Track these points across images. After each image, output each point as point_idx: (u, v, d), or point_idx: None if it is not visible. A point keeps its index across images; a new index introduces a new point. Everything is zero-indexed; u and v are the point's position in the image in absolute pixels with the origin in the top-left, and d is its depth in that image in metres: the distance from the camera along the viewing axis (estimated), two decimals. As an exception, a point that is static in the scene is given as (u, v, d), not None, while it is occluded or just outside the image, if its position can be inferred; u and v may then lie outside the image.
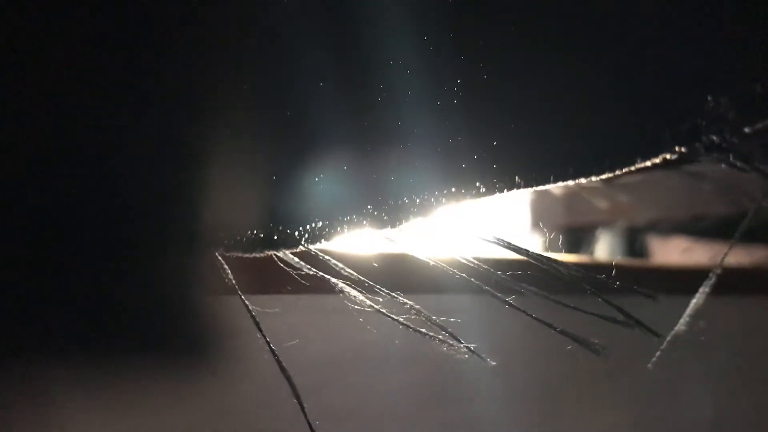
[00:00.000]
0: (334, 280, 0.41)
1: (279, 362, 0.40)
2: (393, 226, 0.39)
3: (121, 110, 0.35)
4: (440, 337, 0.41)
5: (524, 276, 0.41)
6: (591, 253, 0.91)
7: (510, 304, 0.41)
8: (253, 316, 0.41)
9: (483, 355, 0.41)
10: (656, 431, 0.67)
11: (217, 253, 0.39)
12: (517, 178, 0.38)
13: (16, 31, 0.33)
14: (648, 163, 0.36)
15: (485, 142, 0.38)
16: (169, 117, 0.36)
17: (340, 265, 0.41)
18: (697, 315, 0.69)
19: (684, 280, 0.69)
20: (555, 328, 0.41)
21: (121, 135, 0.36)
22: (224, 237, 0.38)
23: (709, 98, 0.35)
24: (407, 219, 0.39)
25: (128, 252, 0.36)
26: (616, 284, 0.40)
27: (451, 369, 0.51)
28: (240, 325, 0.41)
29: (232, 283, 0.40)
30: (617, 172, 0.37)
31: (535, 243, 0.83)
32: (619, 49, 0.37)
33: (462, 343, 0.41)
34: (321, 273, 0.41)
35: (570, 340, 0.40)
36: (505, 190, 0.38)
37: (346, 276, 0.41)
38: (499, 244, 0.40)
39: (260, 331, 0.41)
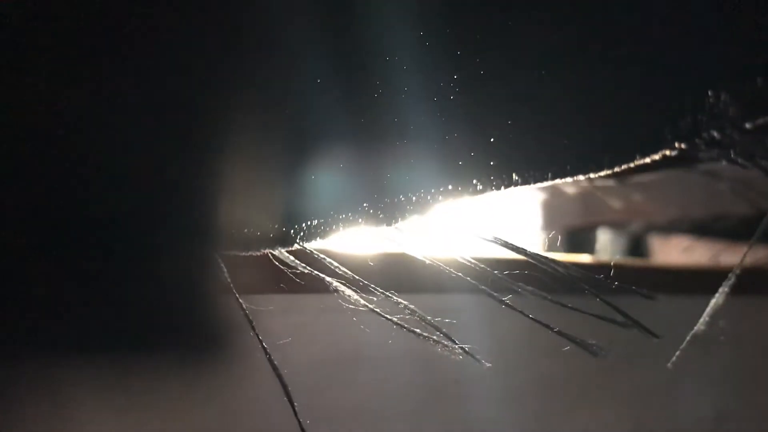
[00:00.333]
0: (329, 279, 0.41)
1: (271, 361, 0.40)
2: (389, 223, 0.39)
3: (121, 109, 0.35)
4: (434, 337, 0.40)
5: (523, 276, 0.41)
6: (603, 253, 0.91)
7: (506, 304, 0.40)
8: (246, 315, 0.40)
9: (478, 356, 0.41)
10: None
11: (216, 252, 0.38)
12: (514, 175, 0.37)
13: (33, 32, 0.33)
14: (647, 160, 0.35)
15: (482, 139, 0.37)
16: (169, 117, 0.36)
17: (335, 263, 0.41)
18: (699, 316, 0.68)
19: (684, 280, 0.68)
20: (552, 329, 0.40)
21: (123, 135, 0.35)
22: (221, 236, 0.38)
23: (709, 94, 0.34)
24: (403, 217, 0.39)
25: (136, 252, 0.36)
26: (614, 284, 0.39)
27: (450, 368, 0.50)
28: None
29: (228, 281, 0.39)
30: (616, 169, 0.36)
31: (539, 243, 0.83)
32: (617, 44, 0.36)
33: (456, 344, 0.40)
34: (316, 272, 0.41)
35: (568, 340, 0.40)
36: (503, 188, 0.37)
37: (341, 275, 0.41)
38: (497, 243, 0.40)
39: (253, 330, 0.40)
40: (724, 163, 0.35)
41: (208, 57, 0.36)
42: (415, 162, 0.38)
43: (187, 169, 0.37)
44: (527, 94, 0.37)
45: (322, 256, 0.41)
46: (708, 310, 0.40)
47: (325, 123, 0.38)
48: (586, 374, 0.61)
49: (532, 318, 0.41)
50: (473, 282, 0.41)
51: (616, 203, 0.80)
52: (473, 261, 0.41)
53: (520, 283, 0.40)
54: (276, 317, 0.42)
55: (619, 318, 0.40)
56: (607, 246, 0.94)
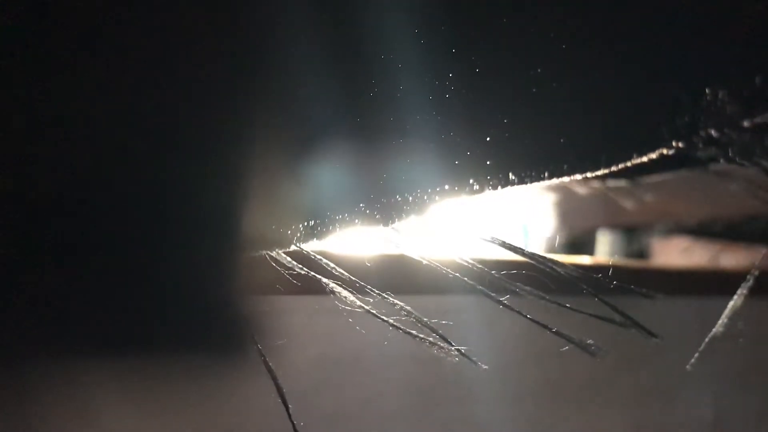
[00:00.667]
0: (325, 280, 0.40)
1: (266, 362, 0.39)
2: (386, 224, 0.39)
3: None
4: (430, 339, 0.40)
5: (521, 276, 0.40)
6: (603, 254, 0.91)
7: (505, 305, 0.40)
8: (243, 316, 0.40)
9: (475, 358, 0.41)
10: (656, 433, 0.66)
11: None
12: (510, 174, 0.37)
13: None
14: (645, 159, 0.35)
15: (478, 138, 0.37)
16: (165, 118, 0.36)
17: (332, 264, 0.41)
18: (698, 317, 0.68)
19: (683, 281, 0.68)
20: (551, 329, 0.40)
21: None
22: (220, 237, 0.38)
23: (707, 92, 0.34)
24: (400, 217, 0.39)
25: (157, 252, 0.36)
26: (612, 284, 0.39)
27: (448, 370, 0.50)
28: (270, 325, 0.41)
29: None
30: (613, 168, 0.36)
31: (538, 243, 0.83)
32: (614, 42, 0.36)
33: (452, 346, 0.40)
34: (313, 273, 0.41)
35: (566, 341, 0.40)
36: (499, 187, 0.37)
37: (338, 276, 0.41)
38: (495, 243, 0.40)
39: (252, 331, 0.40)
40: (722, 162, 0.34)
41: (206, 59, 0.36)
42: (412, 162, 0.38)
43: (183, 171, 0.37)
44: (524, 93, 0.37)
45: (318, 257, 0.41)
46: (727, 311, 0.39)
47: (321, 123, 0.38)
48: (584, 375, 0.61)
49: (530, 318, 0.41)
50: (471, 282, 0.41)
51: (628, 204, 0.80)
52: (471, 261, 0.41)
53: (519, 284, 0.40)
54: (272, 318, 0.42)
55: (618, 318, 0.40)
56: (606, 246, 0.94)
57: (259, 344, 0.40)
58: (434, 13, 0.37)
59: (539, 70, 0.36)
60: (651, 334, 0.40)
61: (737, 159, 0.34)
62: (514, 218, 0.81)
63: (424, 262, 0.41)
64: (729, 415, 0.69)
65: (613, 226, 0.90)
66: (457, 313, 0.50)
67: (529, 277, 0.40)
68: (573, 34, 0.36)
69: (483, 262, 0.41)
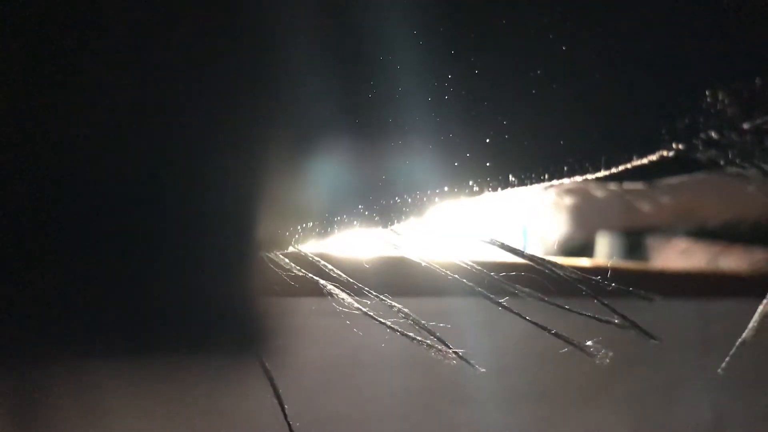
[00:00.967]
0: (323, 282, 0.40)
1: (263, 364, 0.39)
2: (385, 225, 0.39)
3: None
4: (428, 342, 0.40)
5: (521, 278, 0.40)
6: (602, 256, 0.91)
7: (503, 307, 0.40)
8: (241, 318, 0.40)
9: (474, 360, 0.40)
10: (655, 435, 0.66)
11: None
12: (510, 176, 0.37)
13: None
14: (645, 161, 0.35)
15: (478, 140, 0.37)
16: (168, 117, 0.36)
17: (330, 266, 0.41)
18: (697, 319, 0.68)
19: (683, 283, 0.68)
20: (550, 331, 0.40)
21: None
22: (219, 239, 0.38)
23: (707, 94, 0.34)
24: (399, 219, 0.39)
25: (157, 254, 0.36)
26: (611, 286, 0.39)
27: (446, 372, 0.50)
28: (281, 326, 0.41)
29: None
30: (613, 170, 0.36)
31: (538, 245, 0.83)
32: (614, 44, 0.36)
33: (450, 348, 0.40)
34: (310, 275, 0.41)
35: (566, 343, 0.40)
36: (499, 189, 0.37)
37: (336, 278, 0.41)
38: (495, 245, 0.39)
39: (249, 332, 0.40)
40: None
41: (206, 60, 0.36)
42: (411, 163, 0.38)
43: (183, 173, 0.37)
44: (523, 95, 0.37)
45: (316, 258, 0.41)
46: (756, 316, 0.39)
47: (320, 124, 0.38)
48: (584, 377, 0.61)
49: (529, 320, 0.40)
50: (470, 284, 0.40)
51: (628, 206, 0.80)
52: (470, 263, 0.41)
53: (518, 286, 0.40)
54: (270, 320, 0.42)
55: (618, 320, 0.39)
56: (605, 248, 0.94)
57: (256, 346, 0.40)
58: (433, 15, 0.37)
59: (539, 72, 0.36)
60: (650, 336, 0.40)
61: (737, 161, 0.34)
62: (514, 220, 0.81)
63: (423, 263, 0.41)
64: (729, 417, 0.69)
65: (612, 228, 0.90)
66: (456, 314, 0.50)
67: (528, 279, 0.40)
68: (572, 36, 0.36)
69: (482, 263, 0.41)
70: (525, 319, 0.41)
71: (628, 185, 0.70)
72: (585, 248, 0.91)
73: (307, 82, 0.37)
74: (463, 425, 0.55)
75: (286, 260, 0.41)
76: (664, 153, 0.35)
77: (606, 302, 0.40)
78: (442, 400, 0.54)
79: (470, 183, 0.38)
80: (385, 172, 0.38)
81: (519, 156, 0.37)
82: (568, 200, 0.79)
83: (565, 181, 0.37)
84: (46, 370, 0.39)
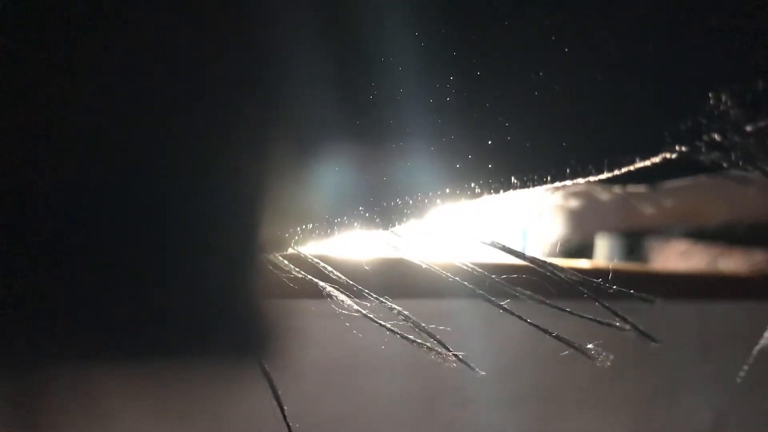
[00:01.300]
0: (322, 284, 0.40)
1: (262, 366, 0.39)
2: (385, 227, 0.39)
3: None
4: (428, 344, 0.40)
5: (521, 280, 0.40)
6: (602, 257, 0.91)
7: (504, 309, 0.40)
8: (241, 319, 0.40)
9: (474, 363, 0.40)
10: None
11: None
12: (512, 178, 0.37)
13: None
14: (648, 163, 0.35)
15: (479, 142, 0.37)
16: (169, 119, 0.36)
17: (330, 268, 0.41)
18: (697, 320, 0.68)
19: (683, 285, 0.68)
20: (550, 333, 0.40)
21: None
22: (218, 240, 0.38)
23: (710, 96, 0.34)
24: (400, 220, 0.38)
25: (169, 256, 0.36)
26: (611, 289, 0.39)
27: (447, 374, 0.50)
28: (281, 328, 0.41)
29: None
30: (616, 172, 0.36)
31: (538, 247, 0.83)
32: (617, 45, 0.36)
33: (450, 351, 0.40)
34: (310, 276, 0.41)
35: (566, 345, 0.40)
36: (501, 191, 0.37)
37: (336, 280, 0.41)
38: (495, 247, 0.39)
39: (248, 334, 0.40)
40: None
41: (207, 62, 0.36)
42: (412, 165, 0.38)
43: (182, 175, 0.36)
44: (525, 97, 0.37)
45: (316, 260, 0.41)
46: None
47: (321, 126, 0.38)
48: (584, 379, 0.61)
49: (530, 323, 0.40)
50: (471, 286, 0.40)
51: (628, 208, 0.80)
52: (471, 265, 0.41)
53: (518, 288, 0.40)
54: (269, 322, 0.42)
55: (618, 322, 0.39)
56: (606, 250, 0.94)
57: (256, 347, 0.40)
58: (435, 17, 0.37)
59: (541, 74, 0.36)
60: (650, 338, 0.40)
61: (740, 163, 0.33)
62: (514, 222, 0.81)
63: (424, 265, 0.41)
64: (729, 419, 0.69)
65: (613, 230, 0.90)
66: (457, 317, 0.50)
67: (528, 281, 0.40)
68: (575, 38, 0.36)
69: (482, 265, 0.41)
70: (525, 321, 0.41)
71: (629, 187, 0.70)
72: (585, 250, 0.91)
73: (308, 83, 0.37)
74: (464, 427, 0.55)
75: (286, 262, 0.41)
76: (667, 155, 0.35)
77: (606, 304, 0.40)
78: (442, 403, 0.54)
79: (471, 185, 0.37)
80: (386, 174, 0.38)
81: (521, 158, 0.37)
82: (568, 202, 0.79)
83: (568, 183, 0.36)
84: (48, 372, 0.39)
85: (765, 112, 0.33)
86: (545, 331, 0.40)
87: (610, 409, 0.63)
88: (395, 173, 0.38)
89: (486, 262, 0.42)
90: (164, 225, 0.36)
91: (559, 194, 0.77)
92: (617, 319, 0.39)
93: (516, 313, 0.40)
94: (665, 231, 0.89)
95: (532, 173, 0.37)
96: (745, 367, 0.40)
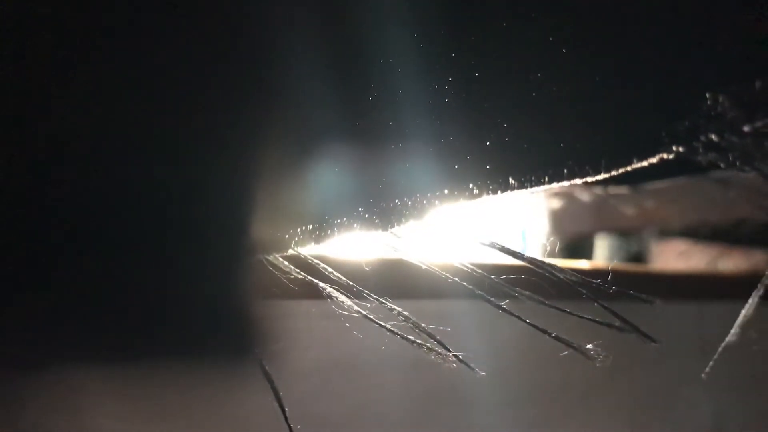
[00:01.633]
0: (322, 285, 0.40)
1: (263, 367, 0.39)
2: (385, 228, 0.39)
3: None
4: (428, 345, 0.40)
5: (521, 281, 0.40)
6: (601, 258, 0.91)
7: (503, 309, 0.40)
8: (240, 320, 0.40)
9: (473, 363, 0.40)
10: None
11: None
12: (510, 179, 0.37)
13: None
14: (645, 164, 0.35)
15: (477, 143, 0.37)
16: (167, 120, 0.36)
17: (329, 269, 0.41)
18: (696, 321, 0.68)
19: (682, 285, 0.68)
20: (549, 334, 0.40)
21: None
22: (217, 241, 0.38)
23: (707, 96, 0.34)
24: (399, 221, 0.38)
25: (167, 257, 0.36)
26: (611, 289, 0.39)
27: (446, 375, 0.50)
28: (281, 329, 0.41)
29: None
30: (613, 173, 0.36)
31: (537, 248, 0.83)
32: (614, 46, 0.36)
33: (450, 351, 0.40)
34: (310, 277, 0.41)
35: (566, 345, 0.40)
36: (499, 192, 0.37)
37: (335, 281, 0.41)
38: (495, 248, 0.39)
39: (248, 335, 0.40)
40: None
41: (206, 63, 0.36)
42: (411, 166, 0.38)
43: (181, 176, 0.36)
44: (523, 98, 0.37)
45: (316, 261, 0.41)
46: (739, 319, 0.39)
47: (320, 127, 0.38)
48: (584, 380, 0.61)
49: (529, 323, 0.40)
50: (470, 287, 0.40)
51: (627, 209, 0.80)
52: (470, 266, 0.41)
53: (518, 288, 0.40)
54: (269, 323, 0.42)
55: (617, 323, 0.39)
56: (605, 251, 0.94)
57: (256, 348, 0.40)
58: (433, 18, 0.37)
59: (539, 75, 0.36)
60: (650, 338, 0.40)
61: (738, 164, 0.33)
62: (513, 223, 0.81)
63: (423, 266, 0.41)
64: (728, 419, 0.69)
65: (611, 230, 0.90)
66: (456, 317, 0.50)
67: (528, 281, 0.40)
68: (572, 39, 0.36)
69: (482, 266, 0.41)
70: (525, 321, 0.41)
71: (628, 188, 0.70)
72: (584, 251, 0.91)
73: (307, 84, 0.37)
74: (463, 428, 0.55)
75: (286, 263, 0.41)
76: (665, 156, 0.35)
77: (606, 305, 0.40)
78: (442, 403, 0.54)
79: (470, 186, 0.37)
80: (385, 175, 0.38)
81: (519, 159, 0.37)
82: (567, 203, 0.79)
83: (566, 184, 0.36)
84: (42, 374, 0.39)
85: (762, 112, 0.33)
86: (544, 331, 0.40)
87: (609, 410, 0.63)
88: (394, 174, 0.38)
89: (485, 262, 0.42)
90: (162, 226, 0.36)
91: (558, 195, 0.77)
92: (616, 319, 0.39)
93: (515, 314, 0.40)
94: (663, 231, 0.89)
95: (530, 174, 0.37)
96: (711, 363, 0.40)
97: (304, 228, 0.39)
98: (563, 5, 0.36)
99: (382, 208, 0.38)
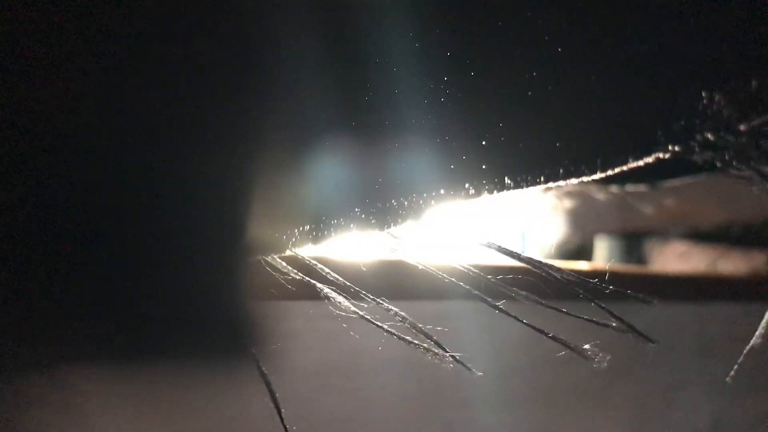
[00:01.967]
0: (320, 285, 0.40)
1: (260, 367, 0.39)
2: (381, 229, 0.39)
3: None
4: (425, 345, 0.40)
5: (518, 281, 0.40)
6: (600, 259, 0.91)
7: (501, 310, 0.40)
8: (238, 321, 0.40)
9: (471, 364, 0.40)
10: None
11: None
12: (506, 178, 0.37)
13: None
14: (641, 163, 0.35)
15: (474, 142, 0.37)
16: (166, 119, 0.36)
17: (327, 270, 0.41)
18: (695, 322, 0.68)
19: (681, 286, 0.68)
20: (547, 335, 0.40)
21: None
22: (217, 242, 0.38)
23: (703, 95, 0.34)
24: (396, 222, 0.38)
25: (165, 258, 0.36)
26: (609, 290, 0.39)
27: (444, 375, 0.50)
28: (278, 329, 0.41)
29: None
30: (609, 172, 0.36)
31: (537, 248, 0.83)
32: (611, 46, 0.36)
33: (447, 352, 0.40)
34: (307, 278, 0.41)
35: (563, 346, 0.40)
36: (495, 192, 0.37)
37: (333, 281, 0.41)
38: (492, 248, 0.39)
39: (245, 335, 0.40)
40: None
41: (203, 61, 0.36)
42: (407, 166, 0.38)
43: (179, 176, 0.36)
44: (519, 97, 0.37)
45: (314, 262, 0.41)
46: (763, 322, 0.39)
47: (316, 126, 0.38)
48: (582, 380, 0.61)
49: (527, 324, 0.40)
50: (468, 288, 0.40)
51: (626, 209, 0.80)
52: (468, 266, 0.41)
53: (515, 289, 0.40)
54: (267, 323, 0.42)
55: (615, 324, 0.39)
56: (603, 252, 0.94)
57: (253, 349, 0.40)
58: (430, 18, 0.37)
59: (535, 74, 0.36)
60: (648, 339, 0.40)
61: (734, 163, 0.33)
62: (511, 223, 0.81)
63: (421, 267, 0.41)
64: (727, 420, 0.69)
65: (610, 230, 0.90)
66: (454, 318, 0.50)
67: (526, 282, 0.40)
68: (568, 38, 0.36)
69: (479, 267, 0.41)
70: (522, 322, 0.40)
71: (626, 188, 0.70)
72: (583, 251, 0.91)
73: (303, 84, 0.37)
74: (461, 428, 0.55)
75: (283, 264, 0.41)
76: (660, 155, 0.35)
77: (604, 305, 0.40)
78: (439, 404, 0.54)
79: (466, 185, 0.37)
80: (381, 175, 0.38)
81: (515, 158, 0.37)
82: (566, 203, 0.79)
83: (561, 183, 0.36)
84: (41, 374, 0.39)
85: (758, 111, 0.33)
86: (542, 332, 0.40)
87: (607, 410, 0.63)
88: (391, 174, 0.38)
89: (483, 263, 0.42)
90: (158, 226, 0.36)
91: (557, 195, 0.77)
92: (614, 320, 0.39)
93: (513, 314, 0.40)
94: (662, 232, 0.89)
95: (526, 173, 0.37)
96: (736, 367, 0.40)
97: (301, 229, 0.38)
98: (559, 5, 0.36)
99: (378, 208, 0.38)
